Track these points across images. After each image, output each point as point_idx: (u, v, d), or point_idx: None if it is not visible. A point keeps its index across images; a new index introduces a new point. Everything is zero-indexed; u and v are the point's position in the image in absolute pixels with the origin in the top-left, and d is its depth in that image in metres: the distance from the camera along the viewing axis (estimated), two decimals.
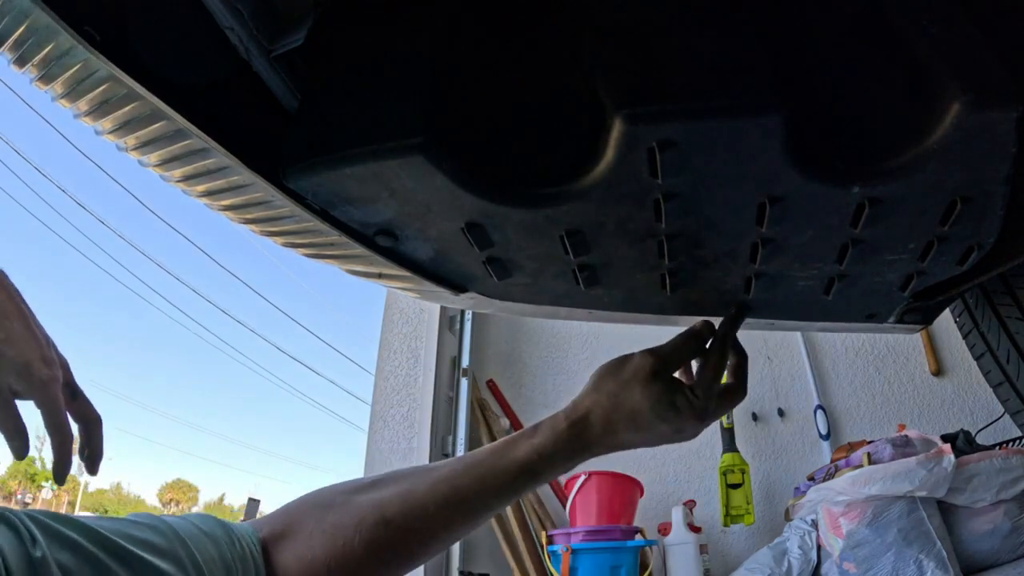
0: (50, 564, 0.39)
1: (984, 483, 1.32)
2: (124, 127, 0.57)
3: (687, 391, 0.61)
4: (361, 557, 0.53)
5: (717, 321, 0.71)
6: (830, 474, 1.54)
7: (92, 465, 0.69)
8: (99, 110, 0.55)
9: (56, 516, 0.45)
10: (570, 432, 0.58)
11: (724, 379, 0.66)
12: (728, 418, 1.96)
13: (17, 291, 0.61)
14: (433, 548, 0.57)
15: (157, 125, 0.56)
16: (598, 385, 0.62)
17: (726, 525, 1.86)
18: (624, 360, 0.63)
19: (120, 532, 0.46)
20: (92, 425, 0.68)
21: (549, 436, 0.58)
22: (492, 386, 2.42)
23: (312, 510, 0.57)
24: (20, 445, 0.61)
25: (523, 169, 0.59)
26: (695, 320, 0.72)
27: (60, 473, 0.65)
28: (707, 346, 0.67)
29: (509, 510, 2.06)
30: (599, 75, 0.54)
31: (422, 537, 0.56)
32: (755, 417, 2.09)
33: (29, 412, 0.64)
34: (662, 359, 0.62)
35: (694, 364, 0.68)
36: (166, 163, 0.61)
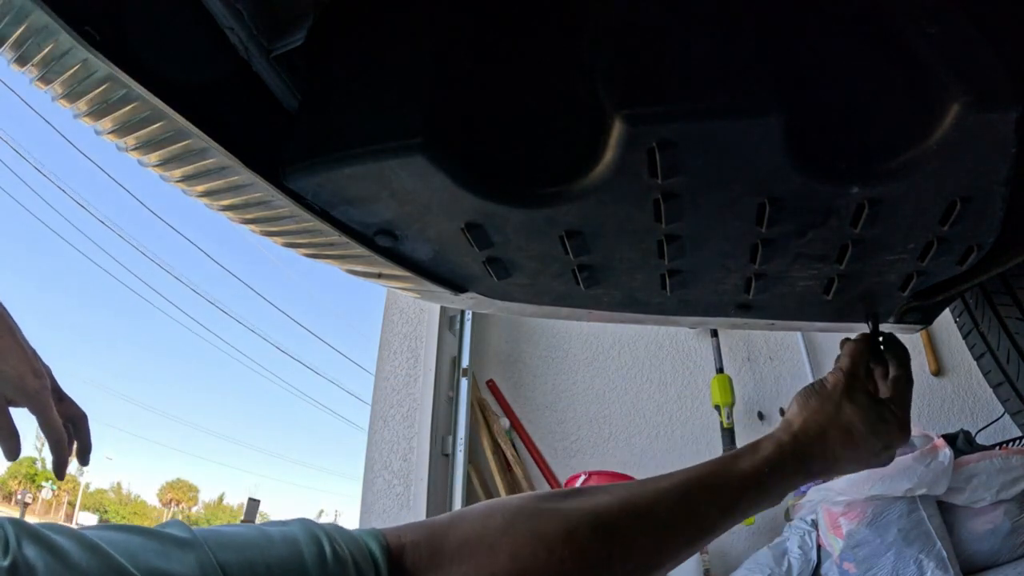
0: (19, 569, 0.32)
1: (984, 483, 1.32)
2: (124, 127, 0.57)
3: (889, 404, 0.64)
4: (571, 572, 0.44)
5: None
6: None
7: (83, 456, 0.75)
8: (99, 110, 0.55)
9: (57, 528, 0.38)
10: (793, 445, 0.59)
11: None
12: (728, 418, 1.96)
13: (4, 309, 0.65)
14: (655, 568, 0.49)
15: (157, 125, 0.56)
16: (805, 404, 0.64)
17: None
18: (819, 382, 0.67)
19: (129, 553, 0.37)
20: (79, 421, 0.74)
21: (773, 450, 0.58)
22: (492, 386, 2.42)
23: (490, 519, 0.47)
24: (14, 446, 0.67)
25: (523, 169, 0.59)
26: (693, 320, 0.72)
27: (60, 469, 0.72)
28: (881, 356, 0.69)
29: None
30: (599, 75, 0.54)
31: (648, 552, 0.48)
32: (761, 416, 2.09)
33: (21, 417, 0.69)
34: (849, 373, 0.65)
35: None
36: (166, 163, 0.61)
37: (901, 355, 0.69)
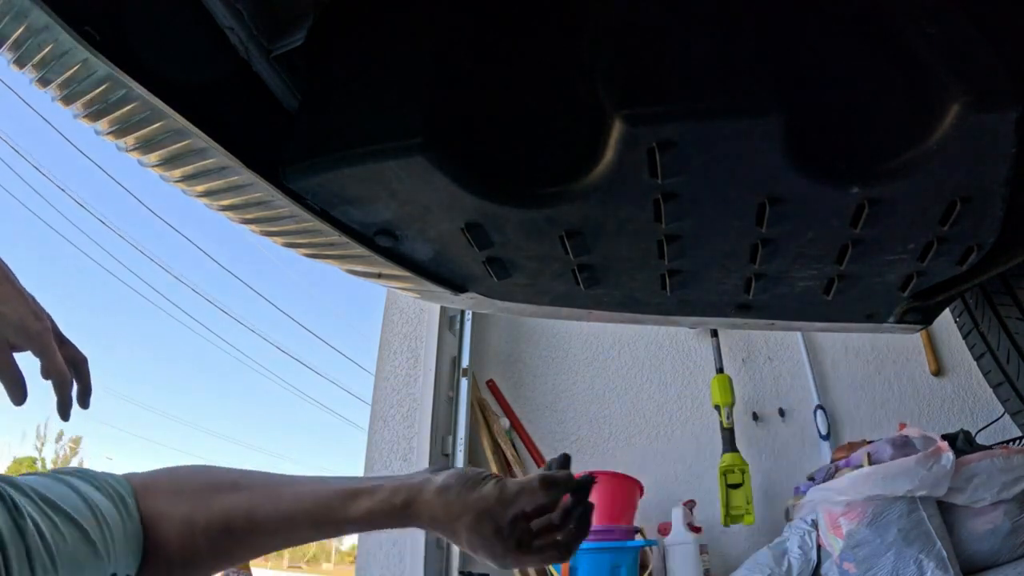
0: (32, 533, 0.39)
1: (984, 483, 1.32)
2: (124, 127, 0.57)
3: (514, 546, 0.61)
4: (204, 554, 0.62)
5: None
6: (830, 474, 1.54)
7: (84, 399, 0.79)
8: (99, 110, 0.55)
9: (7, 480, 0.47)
10: (402, 512, 0.63)
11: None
12: (728, 418, 1.96)
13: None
14: (257, 556, 0.68)
15: (157, 125, 0.56)
16: (446, 490, 0.62)
17: (726, 525, 1.86)
18: (478, 483, 0.62)
19: (64, 498, 0.49)
20: (80, 364, 0.77)
21: (384, 508, 0.62)
22: (492, 386, 2.42)
23: (171, 496, 0.64)
24: (20, 392, 0.68)
25: (523, 169, 0.59)
26: (693, 320, 0.72)
27: (64, 409, 0.74)
28: (565, 506, 0.63)
29: None
30: (599, 76, 0.54)
31: (253, 549, 0.65)
32: (756, 417, 2.09)
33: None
34: (505, 503, 0.60)
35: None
36: (166, 163, 0.61)
37: (577, 536, 0.62)
